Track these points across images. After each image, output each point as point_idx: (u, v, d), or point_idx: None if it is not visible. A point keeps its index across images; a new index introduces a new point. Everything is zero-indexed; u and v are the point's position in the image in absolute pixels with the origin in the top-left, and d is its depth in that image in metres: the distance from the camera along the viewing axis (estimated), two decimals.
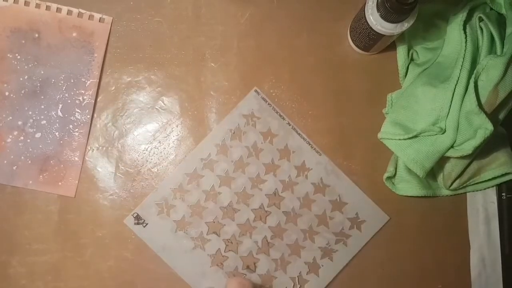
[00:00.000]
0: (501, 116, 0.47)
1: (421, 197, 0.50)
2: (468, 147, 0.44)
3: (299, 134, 0.50)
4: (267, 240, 0.49)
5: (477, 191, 0.51)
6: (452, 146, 0.46)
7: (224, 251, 0.48)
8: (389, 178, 0.49)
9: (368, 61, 0.52)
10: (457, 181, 0.49)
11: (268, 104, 0.50)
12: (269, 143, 0.50)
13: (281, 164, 0.50)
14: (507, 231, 0.50)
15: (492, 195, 0.51)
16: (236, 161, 0.49)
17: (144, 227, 0.48)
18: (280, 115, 0.50)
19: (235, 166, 0.49)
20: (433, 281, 0.50)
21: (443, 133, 0.46)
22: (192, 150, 0.49)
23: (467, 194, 0.51)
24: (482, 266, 0.50)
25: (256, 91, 0.50)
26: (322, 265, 0.49)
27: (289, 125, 0.50)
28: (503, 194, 0.51)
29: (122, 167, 0.49)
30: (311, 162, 0.50)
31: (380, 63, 0.52)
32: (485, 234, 0.50)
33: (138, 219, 0.48)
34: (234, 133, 0.49)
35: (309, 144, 0.50)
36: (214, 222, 0.48)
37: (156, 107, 0.50)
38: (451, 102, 0.45)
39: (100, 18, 0.50)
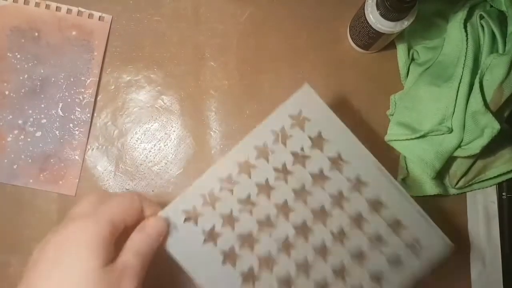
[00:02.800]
0: (506, 114, 0.47)
1: (432, 196, 0.49)
2: (475, 146, 0.44)
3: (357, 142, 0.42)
4: (307, 261, 0.40)
5: (483, 188, 0.50)
6: (459, 146, 0.46)
7: (258, 269, 0.40)
8: (403, 179, 0.49)
9: (368, 59, 0.52)
10: (463, 179, 0.49)
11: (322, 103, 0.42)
12: (318, 150, 0.41)
13: (332, 176, 0.41)
14: (507, 230, 0.50)
15: (492, 195, 0.51)
16: (279, 169, 0.41)
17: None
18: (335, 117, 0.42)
19: (276, 174, 0.41)
20: (433, 280, 0.50)
21: (450, 133, 0.46)
22: (228, 152, 0.41)
23: (467, 193, 0.51)
24: (482, 266, 0.50)
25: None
26: None
27: (345, 129, 0.42)
28: (504, 193, 0.50)
29: (122, 166, 0.49)
30: (368, 176, 0.41)
31: (380, 62, 0.52)
32: (485, 234, 0.50)
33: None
34: (278, 135, 0.41)
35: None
36: (248, 235, 0.40)
37: (156, 106, 0.50)
38: (455, 101, 0.45)
39: (99, 16, 0.50)
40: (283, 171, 0.41)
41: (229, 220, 0.40)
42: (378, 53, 0.52)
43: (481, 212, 0.50)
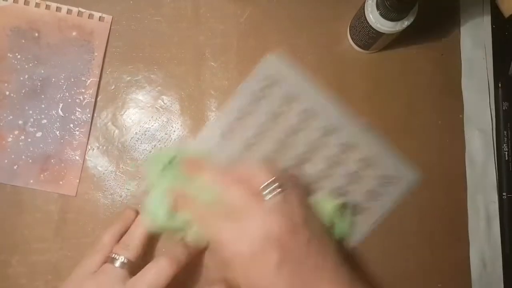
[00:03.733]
0: None
1: None
2: None
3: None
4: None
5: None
6: None
7: None
8: None
9: (368, 60, 0.52)
10: None
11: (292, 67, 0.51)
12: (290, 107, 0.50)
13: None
14: (508, 231, 0.50)
15: (493, 195, 0.51)
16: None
17: None
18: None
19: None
20: (433, 281, 0.50)
21: None
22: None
23: (468, 193, 0.51)
24: (482, 266, 0.49)
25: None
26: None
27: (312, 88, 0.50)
28: (504, 193, 0.50)
29: (123, 166, 0.49)
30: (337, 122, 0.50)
31: (380, 62, 0.52)
32: (485, 234, 0.50)
33: None
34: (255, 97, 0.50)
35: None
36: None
37: (156, 106, 0.50)
38: None
39: (100, 17, 0.50)
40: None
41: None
42: (378, 53, 0.52)
43: (481, 212, 0.50)
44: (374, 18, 0.44)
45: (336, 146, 0.50)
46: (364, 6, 0.45)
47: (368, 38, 0.47)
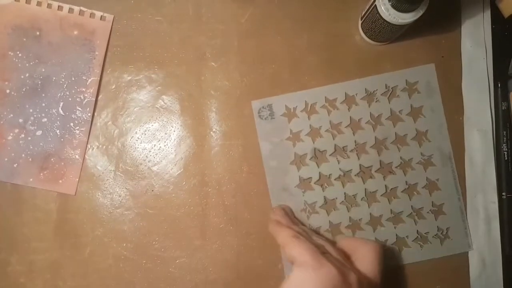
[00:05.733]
0: None
1: None
2: None
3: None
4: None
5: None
6: None
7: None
8: None
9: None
10: None
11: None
12: (412, 119, 0.50)
13: (411, 144, 0.50)
14: (508, 231, 0.50)
15: (492, 195, 0.50)
16: (374, 115, 0.50)
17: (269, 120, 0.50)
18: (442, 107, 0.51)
19: (370, 118, 0.50)
20: (432, 281, 0.50)
21: None
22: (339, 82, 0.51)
23: (467, 194, 0.50)
24: (482, 267, 0.49)
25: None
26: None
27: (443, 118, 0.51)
28: (504, 193, 0.50)
29: (122, 166, 0.49)
30: (438, 161, 0.50)
31: (381, 64, 0.52)
32: (485, 234, 0.50)
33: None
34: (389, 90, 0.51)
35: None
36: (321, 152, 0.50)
37: (156, 106, 0.50)
38: None
39: (101, 16, 0.50)
40: (376, 120, 0.50)
41: (314, 132, 0.50)
42: (379, 55, 0.52)
43: (481, 212, 0.50)
44: (386, 10, 0.43)
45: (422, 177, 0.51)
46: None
47: (380, 30, 0.46)
